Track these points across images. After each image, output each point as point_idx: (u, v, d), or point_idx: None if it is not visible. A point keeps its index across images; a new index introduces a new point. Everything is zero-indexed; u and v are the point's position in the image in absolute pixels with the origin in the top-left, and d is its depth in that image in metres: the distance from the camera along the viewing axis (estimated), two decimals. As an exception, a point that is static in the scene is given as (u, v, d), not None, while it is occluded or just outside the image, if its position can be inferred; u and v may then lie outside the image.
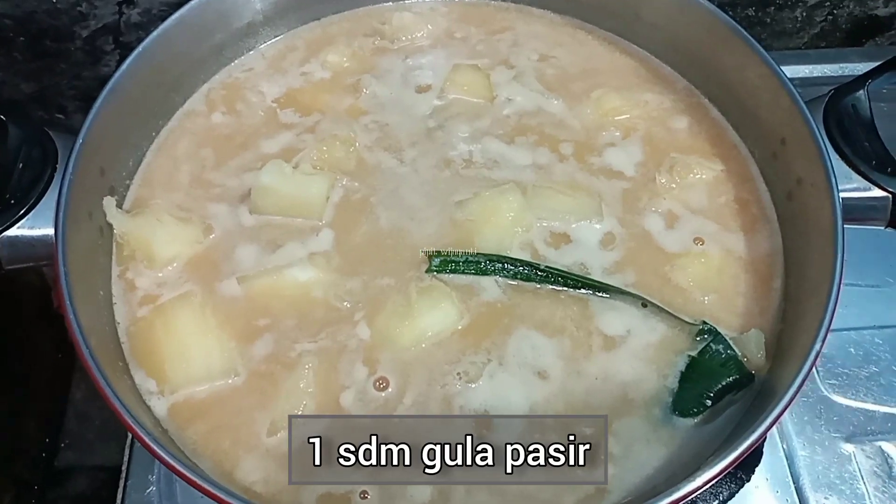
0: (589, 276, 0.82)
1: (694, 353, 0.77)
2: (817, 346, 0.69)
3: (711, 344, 0.77)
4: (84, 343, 0.69)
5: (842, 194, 0.77)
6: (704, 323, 0.79)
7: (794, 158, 0.84)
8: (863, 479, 0.91)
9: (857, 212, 0.80)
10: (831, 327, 0.70)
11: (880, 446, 0.93)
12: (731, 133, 0.94)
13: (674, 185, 0.90)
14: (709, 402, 0.75)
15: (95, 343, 0.71)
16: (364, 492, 0.71)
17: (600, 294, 0.81)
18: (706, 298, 0.82)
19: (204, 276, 0.83)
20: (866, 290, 1.04)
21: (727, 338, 0.78)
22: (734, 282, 0.83)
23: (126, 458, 0.96)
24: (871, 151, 0.81)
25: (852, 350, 0.99)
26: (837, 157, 0.81)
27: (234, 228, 0.87)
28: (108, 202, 0.83)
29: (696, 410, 0.74)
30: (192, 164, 0.93)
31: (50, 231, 0.76)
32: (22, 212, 0.77)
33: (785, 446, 0.94)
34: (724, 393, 0.75)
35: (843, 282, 0.72)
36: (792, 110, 0.84)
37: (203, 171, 0.92)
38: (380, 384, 0.77)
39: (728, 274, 0.84)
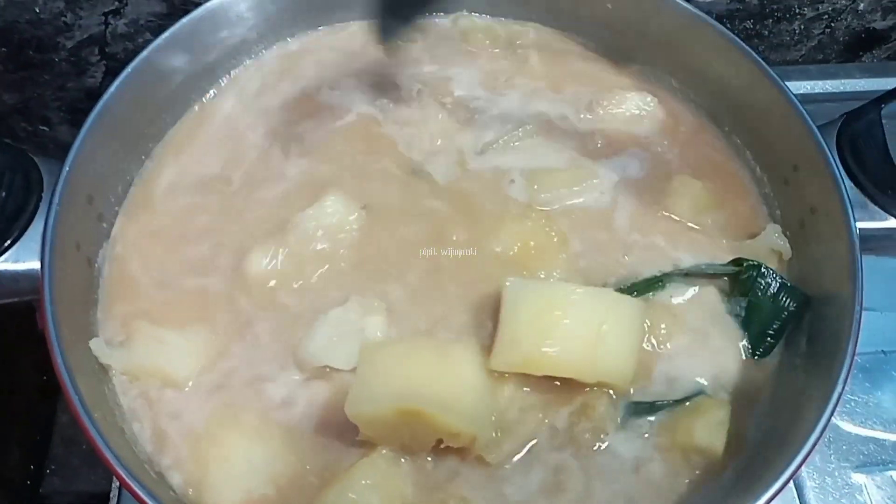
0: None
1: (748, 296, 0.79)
2: (839, 389, 0.67)
3: (759, 279, 0.79)
4: (80, 404, 0.66)
5: (857, 224, 0.75)
6: (744, 261, 0.81)
7: (807, 186, 0.82)
8: (874, 510, 0.90)
9: (872, 242, 0.78)
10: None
11: (892, 476, 0.91)
12: (740, 157, 0.92)
13: (678, 210, 0.87)
14: (773, 340, 0.79)
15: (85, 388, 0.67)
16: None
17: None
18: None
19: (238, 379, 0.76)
20: (871, 314, 1.00)
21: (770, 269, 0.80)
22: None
23: (116, 486, 0.93)
24: (887, 179, 0.80)
25: (860, 376, 0.98)
26: (852, 185, 0.79)
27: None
28: (97, 344, 0.74)
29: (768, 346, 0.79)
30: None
31: (35, 265, 0.72)
32: (5, 244, 0.73)
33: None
34: (786, 323, 0.79)
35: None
36: (804, 136, 0.82)
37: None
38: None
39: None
